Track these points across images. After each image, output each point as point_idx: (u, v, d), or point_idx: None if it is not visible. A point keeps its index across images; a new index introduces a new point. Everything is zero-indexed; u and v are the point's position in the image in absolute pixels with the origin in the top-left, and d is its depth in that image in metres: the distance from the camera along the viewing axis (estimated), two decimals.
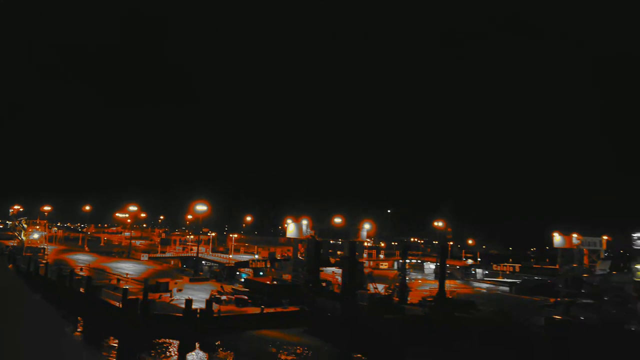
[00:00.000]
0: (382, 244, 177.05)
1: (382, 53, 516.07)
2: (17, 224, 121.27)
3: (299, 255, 71.79)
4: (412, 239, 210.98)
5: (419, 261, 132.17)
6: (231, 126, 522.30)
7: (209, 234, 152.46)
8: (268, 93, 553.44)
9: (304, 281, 65.52)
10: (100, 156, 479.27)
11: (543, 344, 50.70)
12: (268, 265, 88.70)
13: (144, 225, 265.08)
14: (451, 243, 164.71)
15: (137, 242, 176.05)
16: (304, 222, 69.38)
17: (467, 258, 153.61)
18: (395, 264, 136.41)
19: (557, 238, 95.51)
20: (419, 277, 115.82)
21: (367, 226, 79.48)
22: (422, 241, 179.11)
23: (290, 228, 70.30)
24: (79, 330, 57.19)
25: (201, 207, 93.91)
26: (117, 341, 52.56)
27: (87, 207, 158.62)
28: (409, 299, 69.28)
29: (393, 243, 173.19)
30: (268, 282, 68.62)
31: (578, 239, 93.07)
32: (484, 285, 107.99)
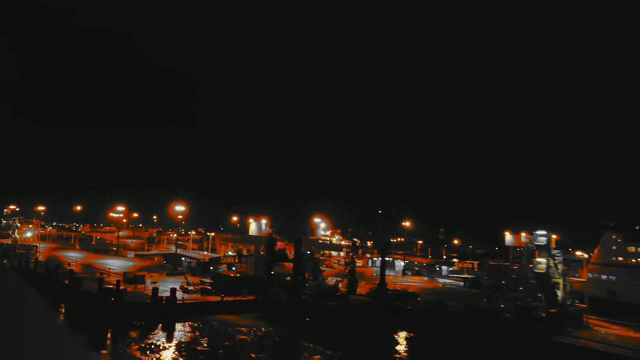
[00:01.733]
0: (369, 244, 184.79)
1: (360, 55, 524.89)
2: (10, 222, 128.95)
3: (260, 251, 79.86)
4: (399, 239, 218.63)
5: (391, 259, 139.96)
6: (224, 128, 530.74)
7: (189, 233, 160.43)
8: (258, 93, 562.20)
9: (262, 273, 73.63)
10: (97, 157, 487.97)
11: (460, 327, 58.86)
12: (237, 261, 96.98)
13: (140, 225, 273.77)
14: (421, 241, 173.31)
15: (129, 241, 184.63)
16: (263, 221, 77.34)
17: (452, 257, 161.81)
18: (370, 262, 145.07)
19: (508, 237, 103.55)
20: (391, 273, 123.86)
21: (322, 225, 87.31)
22: (401, 239, 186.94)
23: (252, 227, 78.24)
24: (61, 315, 65.39)
25: (180, 207, 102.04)
26: (91, 324, 60.64)
27: (79, 207, 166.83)
28: (358, 289, 77.42)
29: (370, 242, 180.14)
30: (232, 275, 76.80)
31: (526, 238, 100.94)
32: (445, 281, 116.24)
